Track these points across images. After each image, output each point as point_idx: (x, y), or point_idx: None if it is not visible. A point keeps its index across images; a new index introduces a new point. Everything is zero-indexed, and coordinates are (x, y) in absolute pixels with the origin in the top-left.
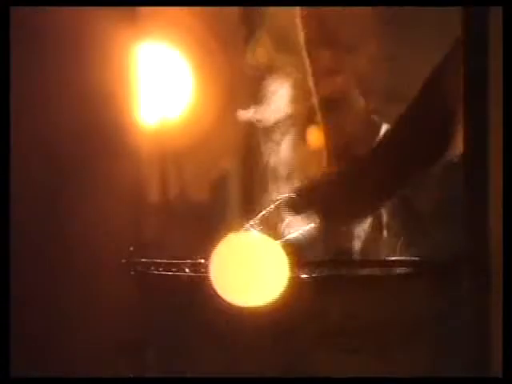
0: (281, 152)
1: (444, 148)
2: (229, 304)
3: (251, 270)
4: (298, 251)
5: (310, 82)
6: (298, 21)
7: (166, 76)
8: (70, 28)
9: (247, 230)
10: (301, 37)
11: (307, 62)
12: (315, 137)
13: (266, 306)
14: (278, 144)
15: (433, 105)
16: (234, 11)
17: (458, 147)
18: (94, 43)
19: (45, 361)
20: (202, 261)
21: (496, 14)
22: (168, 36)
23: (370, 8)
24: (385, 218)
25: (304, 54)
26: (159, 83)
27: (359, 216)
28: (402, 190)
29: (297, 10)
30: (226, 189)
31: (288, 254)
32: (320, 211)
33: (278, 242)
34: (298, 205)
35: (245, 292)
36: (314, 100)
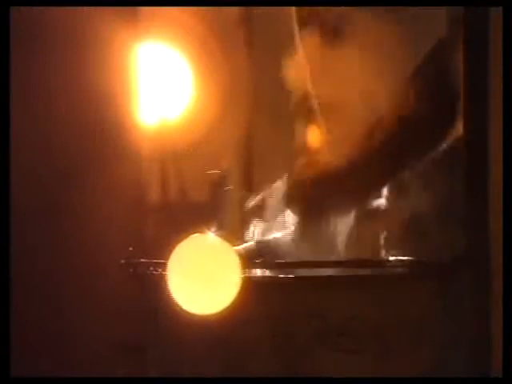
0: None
1: (442, 135)
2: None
3: (206, 274)
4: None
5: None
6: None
7: (166, 76)
8: (70, 28)
9: (205, 232)
10: (297, 38)
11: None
12: (314, 136)
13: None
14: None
15: (432, 85)
16: (233, 11)
17: (456, 134)
18: (95, 43)
19: (45, 361)
20: None
21: (496, 14)
22: (168, 36)
23: None
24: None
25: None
26: (159, 83)
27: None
28: (397, 176)
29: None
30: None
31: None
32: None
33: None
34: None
35: (199, 299)
36: (313, 101)
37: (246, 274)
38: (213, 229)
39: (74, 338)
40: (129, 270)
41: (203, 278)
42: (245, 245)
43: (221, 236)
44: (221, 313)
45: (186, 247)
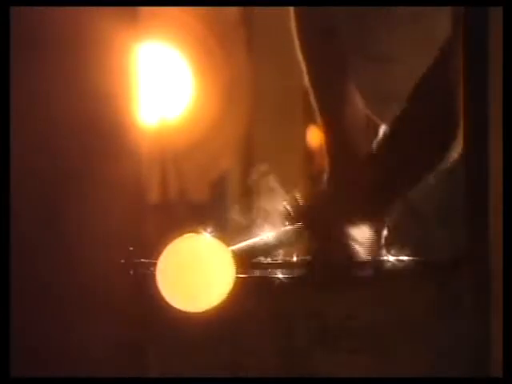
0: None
1: (446, 148)
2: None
3: (197, 273)
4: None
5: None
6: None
7: (166, 76)
8: (70, 28)
9: (198, 233)
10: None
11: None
12: (314, 137)
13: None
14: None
15: (433, 101)
16: (233, 11)
17: (458, 148)
18: (94, 43)
19: (45, 361)
20: None
21: (496, 14)
22: (168, 36)
23: None
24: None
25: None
26: (159, 83)
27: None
28: (404, 193)
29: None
30: (226, 189)
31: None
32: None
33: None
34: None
35: (191, 296)
36: (313, 101)
37: (245, 274)
38: (212, 228)
39: (74, 338)
40: (129, 270)
41: (194, 276)
42: (244, 244)
43: (220, 235)
44: (221, 313)
45: (176, 247)
